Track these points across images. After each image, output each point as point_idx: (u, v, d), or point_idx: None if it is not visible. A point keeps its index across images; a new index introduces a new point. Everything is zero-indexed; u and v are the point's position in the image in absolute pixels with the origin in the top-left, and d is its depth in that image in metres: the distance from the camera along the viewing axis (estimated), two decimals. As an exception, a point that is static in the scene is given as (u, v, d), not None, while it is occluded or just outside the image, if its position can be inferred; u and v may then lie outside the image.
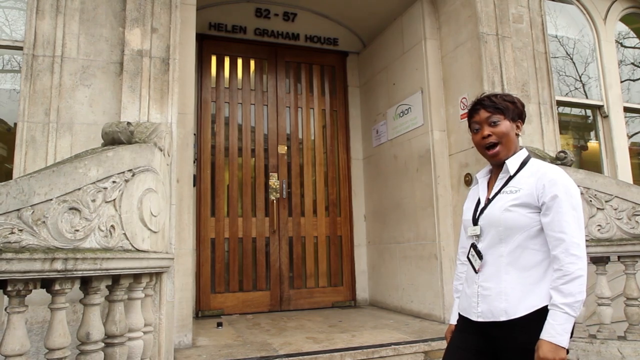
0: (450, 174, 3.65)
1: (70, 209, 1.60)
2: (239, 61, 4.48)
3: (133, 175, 1.90)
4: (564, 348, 1.26)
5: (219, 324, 3.42)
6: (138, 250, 1.88)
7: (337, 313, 4.05)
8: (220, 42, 4.39)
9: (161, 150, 2.19)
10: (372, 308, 4.30)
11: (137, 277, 1.94)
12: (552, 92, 3.79)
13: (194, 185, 3.98)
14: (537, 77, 3.69)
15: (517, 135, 1.51)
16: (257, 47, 4.51)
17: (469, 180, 3.43)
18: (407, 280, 3.92)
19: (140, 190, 1.94)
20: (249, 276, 4.16)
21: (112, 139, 1.95)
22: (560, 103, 4.09)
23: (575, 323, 1.31)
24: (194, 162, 4.05)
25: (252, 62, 4.53)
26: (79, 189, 1.64)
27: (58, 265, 1.49)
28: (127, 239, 1.83)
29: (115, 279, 1.81)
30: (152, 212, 2.01)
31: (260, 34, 4.51)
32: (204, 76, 4.28)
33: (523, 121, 1.54)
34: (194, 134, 4.03)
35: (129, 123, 2.00)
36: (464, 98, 3.53)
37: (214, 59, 4.38)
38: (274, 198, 4.28)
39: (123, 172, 1.85)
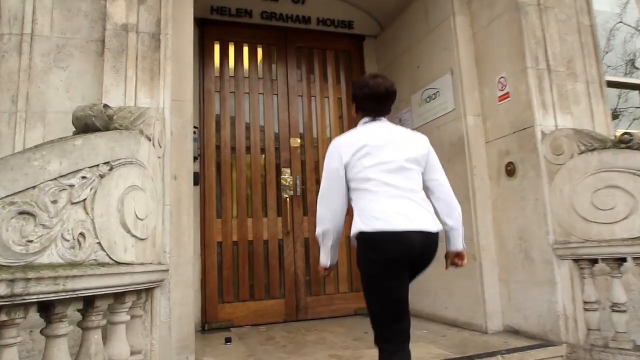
0: (488, 164, 3.20)
1: (21, 213, 1.21)
2: (245, 48, 4.08)
3: (111, 170, 1.51)
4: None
5: (228, 340, 3.03)
6: (119, 264, 1.49)
7: (362, 322, 3.61)
8: (224, 28, 4.00)
9: (150, 140, 1.80)
10: (398, 317, 3.86)
11: (119, 296, 1.55)
12: (601, 69, 3.31)
13: (196, 184, 3.59)
14: (583, 54, 3.21)
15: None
16: (265, 32, 4.11)
17: (512, 170, 2.98)
18: (440, 284, 3.47)
19: (121, 188, 1.55)
20: (261, 283, 3.76)
21: (86, 126, 1.56)
22: (610, 84, 3.60)
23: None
24: (197, 159, 3.67)
25: (260, 49, 4.12)
26: (34, 187, 1.26)
27: (1, 290, 1.10)
28: (104, 249, 1.44)
29: (89, 302, 1.42)
30: (138, 214, 1.61)
31: (267, 18, 4.10)
32: (207, 65, 3.90)
33: (354, 104, 1.92)
34: (196, 127, 3.65)
35: (106, 106, 1.60)
36: (502, 78, 3.07)
37: (217, 45, 3.99)
38: (287, 196, 3.88)
39: (97, 166, 1.46)
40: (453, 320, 3.31)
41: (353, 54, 4.37)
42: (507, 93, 3.02)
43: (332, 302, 3.93)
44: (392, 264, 1.60)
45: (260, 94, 4.03)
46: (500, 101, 3.08)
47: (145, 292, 1.78)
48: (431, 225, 1.66)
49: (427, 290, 3.61)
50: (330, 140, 4.17)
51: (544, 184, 2.70)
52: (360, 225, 1.67)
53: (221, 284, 3.67)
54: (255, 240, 3.78)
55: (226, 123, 3.88)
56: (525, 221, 2.86)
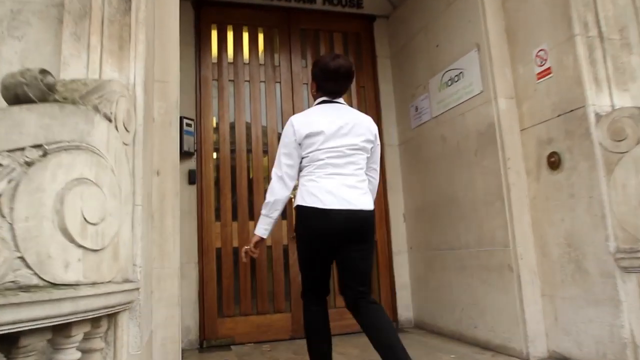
0: (525, 155, 2.74)
1: None
2: (245, 31, 3.67)
3: (44, 155, 1.10)
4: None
5: (226, 363, 2.62)
6: (54, 285, 1.08)
7: (378, 339, 3.18)
8: (221, 9, 3.60)
9: (110, 121, 1.39)
10: (419, 332, 3.42)
11: (61, 328, 1.13)
12: (656, 41, 2.83)
13: (192, 183, 3.19)
14: (637, 20, 2.74)
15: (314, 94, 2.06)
16: (266, 14, 3.70)
17: (555, 162, 2.52)
18: (467, 299, 3.02)
19: (60, 181, 1.13)
20: (264, 295, 3.34)
21: (15, 97, 1.15)
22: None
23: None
24: (193, 154, 3.26)
25: (260, 32, 3.72)
26: None
27: None
28: (29, 266, 1.02)
29: (12, 340, 1.01)
30: (88, 217, 1.20)
31: (268, -2, 3.70)
32: (203, 50, 3.50)
33: (313, 82, 2.04)
34: (191, 119, 3.24)
35: (44, 71, 1.20)
36: (541, 51, 2.62)
37: (214, 29, 3.59)
38: (292, 196, 3.44)
39: (22, 149, 1.05)
40: (484, 341, 2.84)
41: (362, 35, 3.95)
42: (548, 68, 2.56)
43: (342, 316, 3.46)
44: (318, 235, 1.85)
45: (261, 81, 3.62)
46: (539, 79, 2.63)
47: (106, 319, 1.37)
48: (361, 204, 1.84)
49: (451, 304, 3.16)
50: (340, 132, 3.73)
51: (600, 177, 2.23)
52: (299, 199, 1.89)
53: (220, 296, 3.25)
54: (257, 245, 3.36)
55: (224, 114, 3.47)
56: (575, 224, 2.38)
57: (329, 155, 1.84)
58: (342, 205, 1.80)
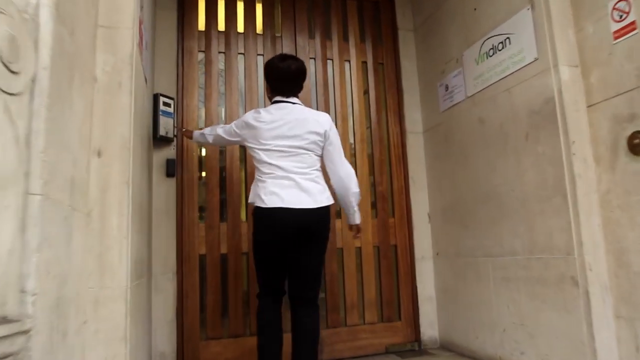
0: (594, 138, 2.11)
1: None
2: (239, -4, 3.09)
3: None
4: None
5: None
6: None
7: (398, 368, 2.58)
8: (212, -31, 3.02)
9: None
10: (447, 355, 2.80)
11: None
12: None
13: (169, 175, 2.61)
14: None
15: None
16: (265, -24, 3.11)
17: (639, 145, 1.89)
18: (512, 318, 2.39)
19: None
20: (259, 311, 2.74)
21: None
22: None
23: None
24: (173, 140, 2.68)
25: (259, -3, 3.13)
26: None
27: None
28: None
29: None
30: None
31: (269, -42, 3.11)
32: (188, 16, 2.91)
33: (266, 84, 2.13)
34: (170, 98, 2.67)
35: None
36: (621, 1, 1.98)
37: (202, -7, 3.01)
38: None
39: None
40: (539, 373, 2.22)
41: (381, 4, 3.33)
42: (632, 23, 1.93)
43: (355, 336, 2.88)
44: (265, 235, 1.93)
45: (259, 54, 3.03)
46: (616, 38, 2.00)
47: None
48: (306, 203, 1.88)
49: (490, 323, 2.53)
50: (353, 117, 3.13)
51: None
52: (250, 197, 2.00)
53: (204, 314, 2.66)
54: (250, 252, 2.76)
55: (213, 93, 2.89)
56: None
57: (276, 155, 1.91)
58: (286, 204, 1.85)
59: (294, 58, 2.05)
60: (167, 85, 2.76)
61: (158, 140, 2.61)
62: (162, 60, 2.77)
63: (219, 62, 2.94)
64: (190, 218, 2.69)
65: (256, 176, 1.99)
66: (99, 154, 1.48)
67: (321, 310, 2.83)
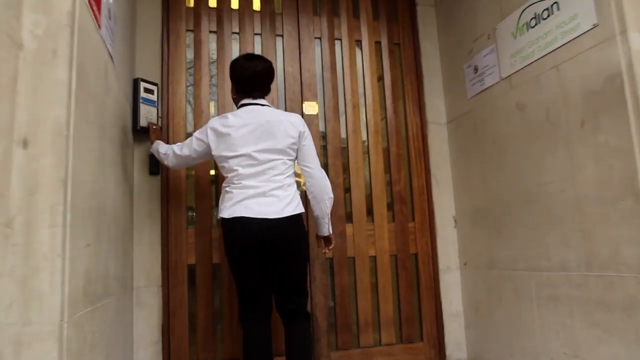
0: (678, 123, 1.66)
1: None
2: (235, -33, 2.69)
3: None
4: None
5: None
6: None
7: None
8: (203, -62, 2.63)
9: None
10: (481, 386, 2.37)
11: None
12: None
13: (152, 173, 2.24)
14: None
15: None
16: (264, -56, 2.71)
17: None
18: (562, 346, 1.95)
19: None
20: (257, 332, 2.35)
21: None
22: None
23: None
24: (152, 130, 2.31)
25: (257, -31, 2.73)
26: None
27: None
28: None
29: None
30: None
31: None
32: (176, -8, 2.53)
33: (232, 84, 1.99)
34: (154, 83, 2.30)
35: None
36: None
37: (192, -36, 2.62)
38: (299, 192, 2.45)
39: None
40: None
41: (397, -25, 2.91)
42: None
43: (369, 359, 2.47)
44: (235, 248, 1.78)
45: (256, 34, 2.63)
46: None
47: None
48: (274, 212, 1.75)
49: (532, 351, 2.10)
50: (366, 106, 2.71)
51: None
52: (220, 210, 1.84)
53: (195, 333, 2.28)
54: (247, 261, 2.37)
55: (203, 79, 2.50)
56: None
57: (243, 164, 1.79)
58: (254, 214, 1.74)
59: (261, 58, 1.94)
60: (150, 69, 2.38)
61: (139, 132, 2.24)
62: (145, 40, 2.39)
63: (210, 43, 2.55)
64: (177, 222, 2.31)
65: (223, 187, 1.85)
66: (25, 145, 1.09)
67: (330, 329, 2.44)
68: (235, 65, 1.92)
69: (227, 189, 1.81)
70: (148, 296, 2.21)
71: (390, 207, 2.66)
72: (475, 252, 2.56)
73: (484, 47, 2.47)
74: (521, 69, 2.21)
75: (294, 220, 1.79)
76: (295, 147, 1.85)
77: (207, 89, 2.48)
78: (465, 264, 2.64)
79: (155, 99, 2.32)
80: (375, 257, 2.58)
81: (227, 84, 2.51)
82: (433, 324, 2.61)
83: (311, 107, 2.59)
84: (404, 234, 2.64)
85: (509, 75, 2.29)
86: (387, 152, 2.72)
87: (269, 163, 1.78)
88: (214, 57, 2.55)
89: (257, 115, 1.83)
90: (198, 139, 1.88)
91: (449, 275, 2.66)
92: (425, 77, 2.83)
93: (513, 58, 2.26)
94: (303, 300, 1.88)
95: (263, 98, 1.93)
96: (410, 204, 2.70)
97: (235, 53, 2.57)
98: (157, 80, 2.37)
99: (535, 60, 2.11)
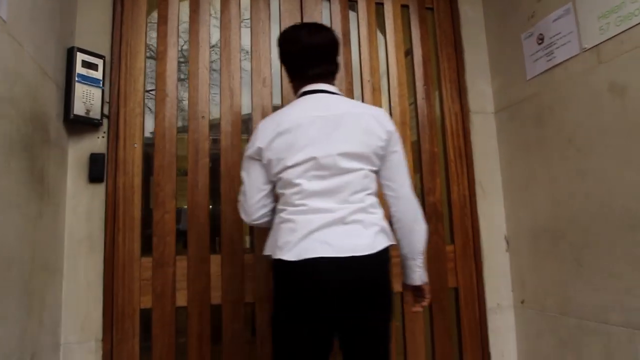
0: None
1: None
2: None
3: None
4: None
5: None
6: None
7: None
8: None
9: None
10: None
11: None
12: None
13: (93, 180, 1.61)
14: None
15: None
16: None
17: None
18: None
19: None
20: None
21: None
22: None
23: None
24: (100, 124, 1.67)
25: None
26: None
27: None
28: None
29: None
30: None
31: None
32: None
33: (285, 66, 1.37)
34: (99, 55, 1.65)
35: None
36: None
37: None
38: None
39: None
40: None
41: None
42: None
43: None
44: (297, 303, 1.14)
45: (241, -9, 1.96)
46: None
47: None
48: (359, 247, 1.15)
49: None
50: (389, 89, 1.94)
51: None
52: (267, 246, 1.25)
53: (150, 404, 1.63)
54: (225, 304, 1.71)
55: (169, 49, 1.83)
56: None
57: (308, 175, 1.19)
58: (336, 252, 1.12)
59: (320, 27, 1.34)
60: (94, 36, 1.73)
61: (72, 122, 1.59)
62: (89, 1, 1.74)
63: (181, 2, 1.88)
64: (127, 249, 1.66)
65: (277, 213, 1.26)
66: None
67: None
68: (283, 39, 1.35)
69: (283, 214, 1.22)
70: (82, 355, 1.57)
71: (420, 224, 1.99)
72: (538, 287, 1.88)
73: (555, 8, 1.78)
74: (617, 35, 1.52)
75: (385, 257, 1.21)
76: (382, 153, 1.27)
77: (175, 64, 1.82)
78: (522, 302, 1.97)
79: (101, 77, 1.67)
80: (401, 292, 1.92)
81: (203, 56, 1.84)
82: (477, 382, 1.95)
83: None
84: (440, 260, 1.96)
85: (597, 45, 1.60)
86: (416, 148, 2.05)
87: (345, 175, 1.20)
88: (186, 20, 1.88)
89: (323, 107, 1.25)
90: (250, 158, 1.26)
91: (499, 315, 1.99)
92: (467, 52, 2.15)
93: (604, 20, 1.57)
94: None
95: (330, 83, 1.34)
96: (448, 219, 2.02)
97: (213, 18, 1.90)
98: (105, 52, 1.71)
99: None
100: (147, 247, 1.70)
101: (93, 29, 1.73)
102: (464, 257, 1.99)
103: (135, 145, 1.72)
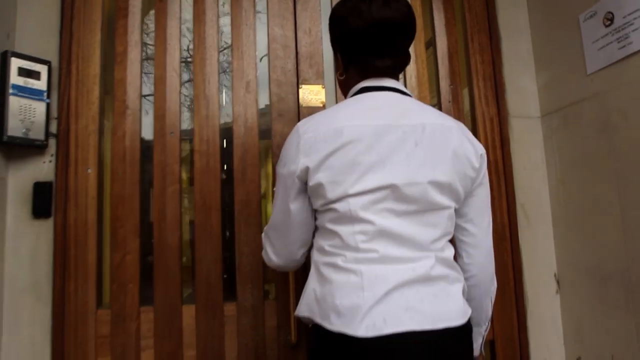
0: None
1: None
2: None
3: None
4: None
5: None
6: None
7: None
8: None
9: None
10: None
11: None
12: None
13: (38, 215, 1.29)
14: None
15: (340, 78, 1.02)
16: None
17: None
18: None
19: None
20: None
21: None
22: None
23: None
24: (46, 145, 1.35)
25: None
26: None
27: None
28: None
29: None
30: None
31: None
32: None
33: (336, 53, 1.01)
34: (44, 61, 1.32)
35: None
36: None
37: None
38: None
39: None
40: None
41: None
42: None
43: None
44: None
45: (220, -26, 1.59)
46: None
47: None
48: (450, 315, 0.83)
49: None
50: (407, 86, 1.63)
51: None
52: (302, 306, 0.90)
53: None
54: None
55: (129, 50, 1.49)
56: None
57: (379, 207, 0.83)
58: (416, 325, 0.78)
59: None
60: (37, 37, 1.41)
61: (7, 145, 1.29)
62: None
63: (144, -9, 1.54)
64: (80, 300, 1.36)
65: (325, 256, 0.88)
66: None
67: None
68: (342, 11, 0.95)
69: (339, 261, 0.85)
70: None
71: (446, 259, 1.60)
72: (600, 342, 1.47)
73: (630, -22, 1.33)
74: None
75: (465, 330, 0.88)
76: (471, 186, 0.95)
77: (138, 68, 1.48)
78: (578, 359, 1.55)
79: (45, 88, 1.36)
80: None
81: (172, 58, 1.50)
82: None
83: (313, 94, 1.54)
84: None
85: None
86: (441, 166, 1.65)
87: (435, 214, 0.88)
88: (151, 18, 1.54)
89: (397, 113, 0.90)
90: (288, 179, 0.91)
91: (547, 375, 1.59)
92: (505, 40, 1.71)
93: None
94: None
95: (397, 78, 1.00)
96: (480, 254, 1.63)
97: (187, 11, 1.54)
98: (51, 56, 1.40)
99: None
100: (102, 299, 1.39)
101: (36, 29, 1.41)
102: (502, 301, 1.58)
103: (89, 170, 1.40)
